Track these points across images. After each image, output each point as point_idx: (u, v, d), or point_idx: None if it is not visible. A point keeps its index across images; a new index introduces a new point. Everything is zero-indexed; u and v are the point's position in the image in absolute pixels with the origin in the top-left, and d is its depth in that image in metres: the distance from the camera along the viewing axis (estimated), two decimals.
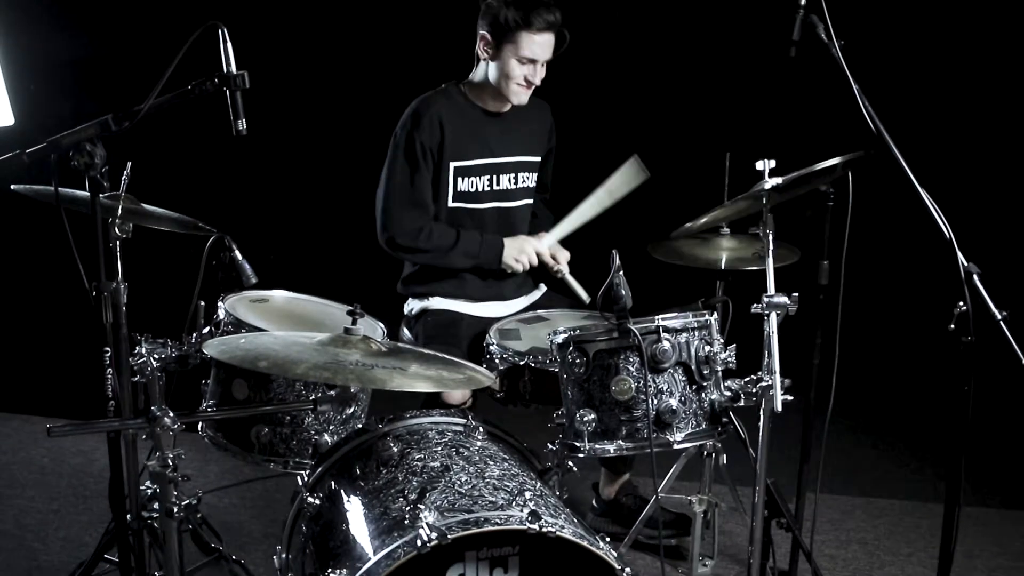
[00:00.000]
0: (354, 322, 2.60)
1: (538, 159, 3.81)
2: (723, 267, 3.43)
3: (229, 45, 2.40)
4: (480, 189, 3.69)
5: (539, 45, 3.49)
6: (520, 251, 3.67)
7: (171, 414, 2.36)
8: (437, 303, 3.76)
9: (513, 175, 3.74)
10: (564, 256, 3.74)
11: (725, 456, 3.46)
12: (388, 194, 3.63)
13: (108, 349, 2.61)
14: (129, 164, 2.95)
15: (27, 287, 5.68)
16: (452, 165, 3.64)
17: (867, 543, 4.03)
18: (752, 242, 3.46)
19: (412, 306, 3.81)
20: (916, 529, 4.15)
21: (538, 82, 3.58)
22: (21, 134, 3.16)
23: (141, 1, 5.73)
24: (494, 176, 3.71)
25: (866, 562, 3.89)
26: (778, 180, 2.91)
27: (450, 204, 3.67)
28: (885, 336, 5.69)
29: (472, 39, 3.63)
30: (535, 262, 3.70)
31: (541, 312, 3.65)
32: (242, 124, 2.43)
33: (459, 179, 3.66)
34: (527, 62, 3.51)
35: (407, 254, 3.68)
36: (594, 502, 3.98)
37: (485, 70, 3.63)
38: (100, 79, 5.56)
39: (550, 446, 2.94)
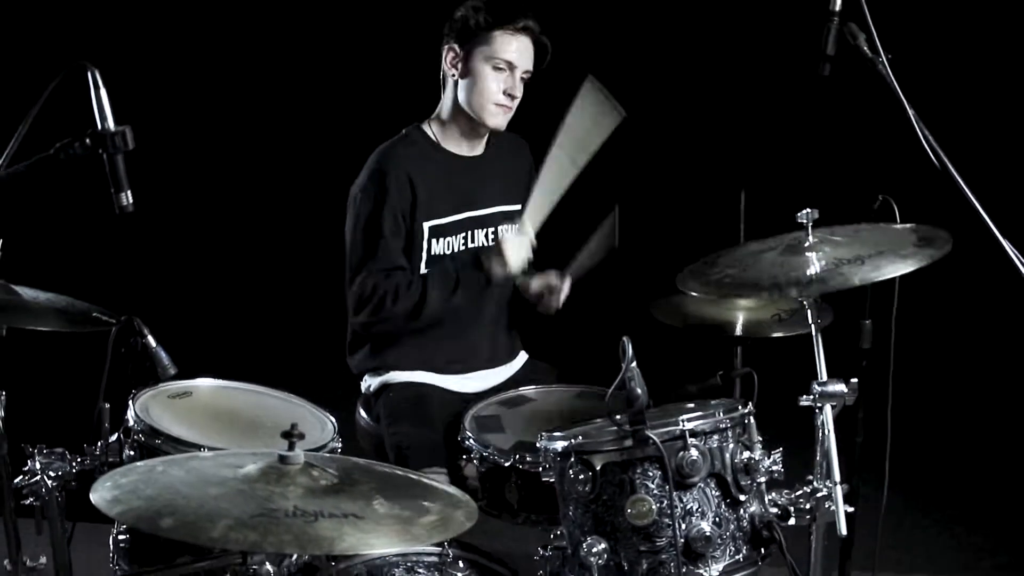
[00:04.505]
0: (291, 447, 1.99)
1: (517, 207, 3.23)
2: (740, 332, 2.87)
3: (103, 93, 1.81)
4: (455, 250, 3.14)
5: (516, 50, 3.05)
6: (501, 250, 3.04)
7: None
8: (399, 376, 3.16)
9: (492, 229, 3.19)
10: (560, 286, 3.12)
11: None
12: (352, 268, 3.09)
13: None
14: (0, 242, 2.36)
15: None
16: (426, 226, 3.09)
17: None
18: (773, 301, 2.91)
19: (369, 383, 3.21)
20: None
21: (518, 95, 3.09)
22: None
23: None
24: (470, 232, 3.16)
25: None
26: (816, 267, 2.34)
27: (422, 270, 3.12)
28: (930, 403, 5.07)
29: (429, 75, 3.15)
30: (527, 254, 3.06)
31: (524, 391, 3.06)
32: (127, 199, 1.83)
33: (433, 240, 3.11)
34: (504, 67, 3.04)
35: (382, 325, 3.10)
36: None
37: (453, 98, 3.12)
38: None
39: (542, 552, 2.40)
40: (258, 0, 5.34)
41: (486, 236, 3.18)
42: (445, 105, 3.16)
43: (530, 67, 3.09)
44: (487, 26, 3.05)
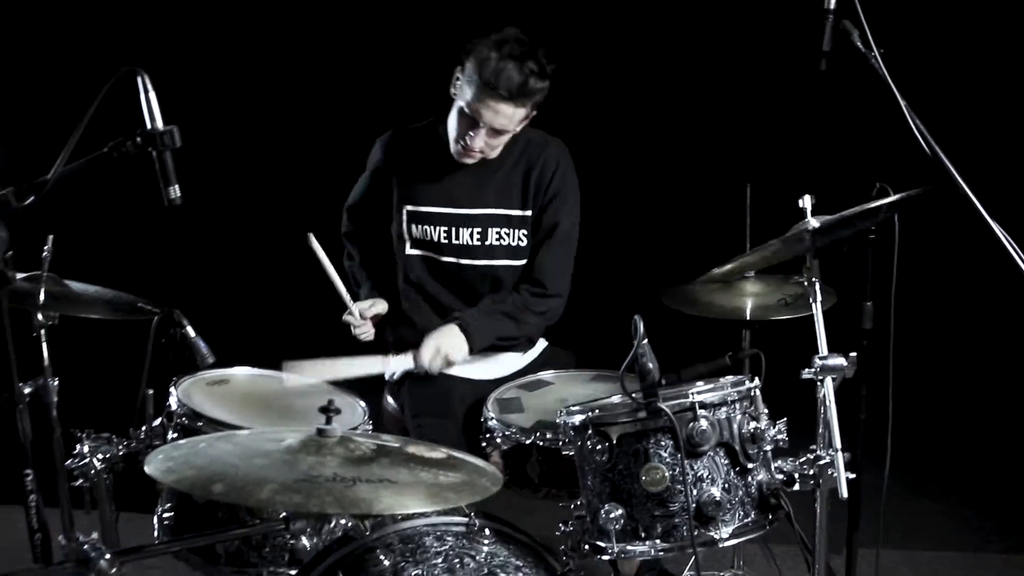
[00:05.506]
0: (328, 420, 2.14)
1: (525, 213, 3.29)
2: (748, 316, 2.99)
3: (152, 95, 1.96)
4: (437, 239, 3.28)
5: (492, 110, 3.03)
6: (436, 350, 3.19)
7: (107, 556, 1.90)
8: None
9: (479, 230, 3.26)
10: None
11: None
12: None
13: (29, 472, 2.14)
14: (51, 238, 2.51)
15: None
16: (406, 208, 3.28)
17: None
18: (779, 286, 3.04)
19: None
20: None
21: (476, 148, 3.11)
22: None
23: (42, 43, 5.23)
24: (453, 228, 3.26)
25: None
26: (816, 222, 2.47)
27: (408, 251, 3.30)
28: (933, 381, 5.15)
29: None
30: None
31: (543, 375, 3.19)
32: (175, 192, 1.97)
33: (412, 225, 3.28)
34: (472, 117, 3.06)
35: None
36: None
37: None
38: None
39: (563, 528, 2.53)
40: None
41: (472, 236, 3.26)
42: None
43: (509, 128, 3.08)
44: (480, 79, 2.98)
